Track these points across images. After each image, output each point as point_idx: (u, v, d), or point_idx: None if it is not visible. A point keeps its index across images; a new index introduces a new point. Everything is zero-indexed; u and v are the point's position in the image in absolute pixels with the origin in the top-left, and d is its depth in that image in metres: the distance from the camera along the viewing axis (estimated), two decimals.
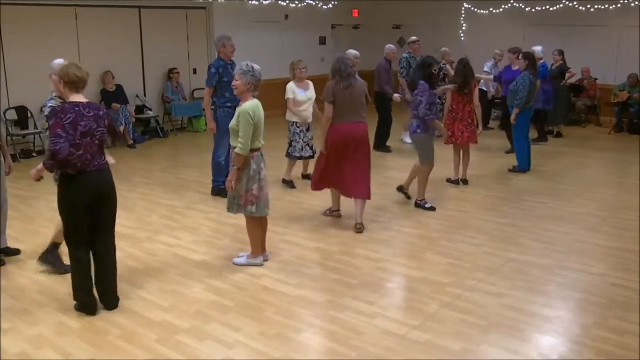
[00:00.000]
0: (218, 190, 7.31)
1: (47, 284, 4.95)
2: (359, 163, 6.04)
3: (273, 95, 10.42)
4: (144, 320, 4.34)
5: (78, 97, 4.15)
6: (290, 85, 7.59)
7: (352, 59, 6.25)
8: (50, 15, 10.12)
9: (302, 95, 7.55)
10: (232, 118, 5.04)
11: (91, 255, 4.38)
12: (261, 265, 5.27)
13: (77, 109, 4.09)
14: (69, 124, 4.04)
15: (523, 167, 8.61)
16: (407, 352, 3.91)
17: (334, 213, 6.57)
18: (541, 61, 10.18)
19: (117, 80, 10.78)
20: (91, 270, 4.38)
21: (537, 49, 10.35)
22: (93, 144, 4.16)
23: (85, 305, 4.39)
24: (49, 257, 5.12)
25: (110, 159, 4.47)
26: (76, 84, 4.13)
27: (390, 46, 10.05)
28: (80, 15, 10.53)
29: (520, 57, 8.69)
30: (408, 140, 10.21)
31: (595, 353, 3.88)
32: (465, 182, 8.00)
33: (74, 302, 4.43)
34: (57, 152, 3.99)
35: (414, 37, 10.69)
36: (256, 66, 4.98)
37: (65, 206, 4.22)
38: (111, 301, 4.48)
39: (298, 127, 7.70)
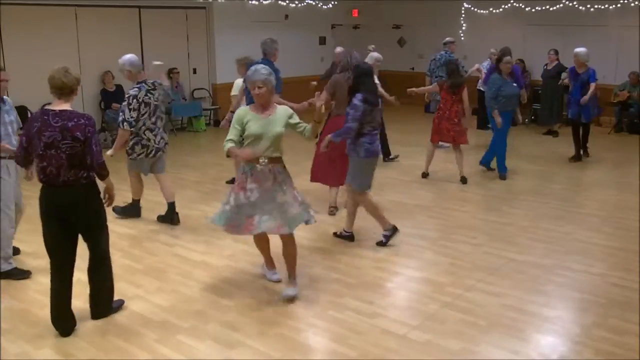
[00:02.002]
0: None
1: (47, 284, 4.93)
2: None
3: None
4: (144, 320, 4.34)
5: (59, 104, 3.90)
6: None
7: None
8: (50, 15, 10.11)
9: None
10: None
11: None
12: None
13: (45, 117, 3.84)
14: (35, 132, 3.85)
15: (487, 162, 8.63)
16: (407, 352, 3.91)
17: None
18: (590, 67, 9.15)
19: (117, 81, 10.77)
20: (64, 286, 4.15)
21: (581, 50, 9.19)
22: (59, 157, 3.82)
23: (52, 321, 4.16)
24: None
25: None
26: (60, 89, 3.88)
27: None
28: (80, 15, 10.53)
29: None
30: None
31: (595, 353, 3.88)
32: (464, 180, 8.02)
33: None
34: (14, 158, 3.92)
35: (450, 38, 10.85)
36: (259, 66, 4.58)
37: (40, 213, 4.04)
38: (94, 311, 4.30)
39: None
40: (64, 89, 3.87)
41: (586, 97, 8.92)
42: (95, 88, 10.75)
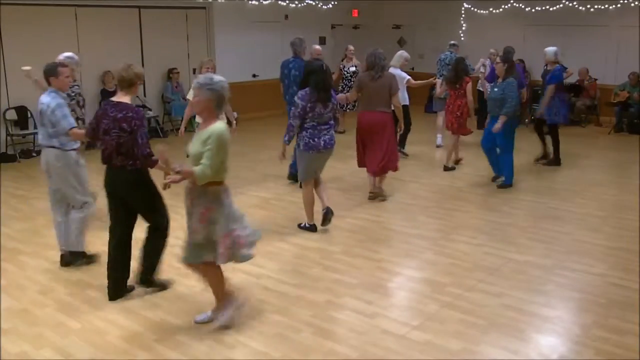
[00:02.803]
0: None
1: (47, 284, 4.96)
2: (378, 146, 6.85)
3: (273, 96, 10.35)
4: (144, 320, 4.34)
5: (119, 96, 4.47)
6: None
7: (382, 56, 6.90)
8: (50, 15, 10.12)
9: None
10: None
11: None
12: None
13: (106, 107, 4.45)
14: (99, 118, 4.46)
15: (510, 181, 7.80)
16: (407, 352, 3.91)
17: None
18: (557, 65, 9.06)
19: (117, 81, 10.76)
20: (118, 254, 4.65)
21: (548, 50, 9.18)
22: (111, 143, 4.36)
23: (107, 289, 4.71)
24: None
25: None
26: (120, 82, 4.47)
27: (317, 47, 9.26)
28: (80, 15, 10.53)
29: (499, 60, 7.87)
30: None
31: (595, 353, 3.88)
32: (445, 168, 8.62)
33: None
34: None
35: (454, 41, 11.10)
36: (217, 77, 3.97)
37: None
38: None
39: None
40: (122, 82, 4.45)
41: (545, 100, 9.03)
42: (95, 88, 10.75)
